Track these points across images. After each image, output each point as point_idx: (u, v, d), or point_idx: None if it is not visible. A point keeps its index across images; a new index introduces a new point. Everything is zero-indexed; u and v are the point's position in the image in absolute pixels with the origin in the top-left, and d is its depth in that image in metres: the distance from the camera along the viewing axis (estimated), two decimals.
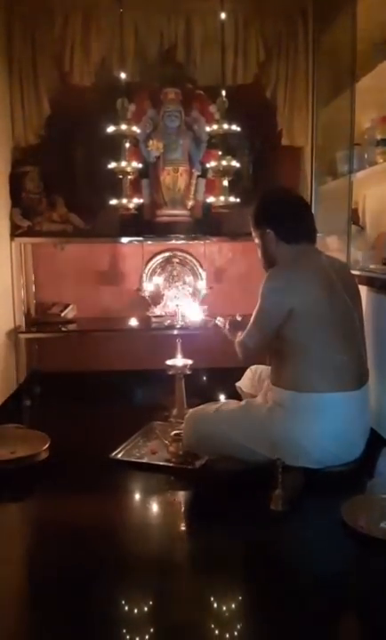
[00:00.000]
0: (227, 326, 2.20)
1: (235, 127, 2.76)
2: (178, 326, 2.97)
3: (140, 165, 2.89)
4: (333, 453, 1.80)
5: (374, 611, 1.27)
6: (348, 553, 1.48)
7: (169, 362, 2.45)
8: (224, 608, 1.28)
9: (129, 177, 2.83)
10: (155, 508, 1.78)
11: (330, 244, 2.67)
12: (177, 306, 3.02)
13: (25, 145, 3.02)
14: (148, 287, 3.29)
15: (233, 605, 1.29)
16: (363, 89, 2.35)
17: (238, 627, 1.23)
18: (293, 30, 3.04)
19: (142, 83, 3.03)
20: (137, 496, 1.90)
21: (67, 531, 1.61)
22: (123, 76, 2.74)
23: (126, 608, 1.26)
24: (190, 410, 2.05)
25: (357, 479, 1.84)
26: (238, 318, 2.19)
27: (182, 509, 1.76)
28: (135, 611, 1.26)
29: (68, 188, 3.12)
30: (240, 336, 1.96)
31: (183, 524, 1.67)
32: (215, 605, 1.27)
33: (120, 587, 1.33)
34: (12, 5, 2.90)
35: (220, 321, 2.26)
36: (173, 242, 3.20)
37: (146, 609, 1.26)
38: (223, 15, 2.71)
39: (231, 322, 2.20)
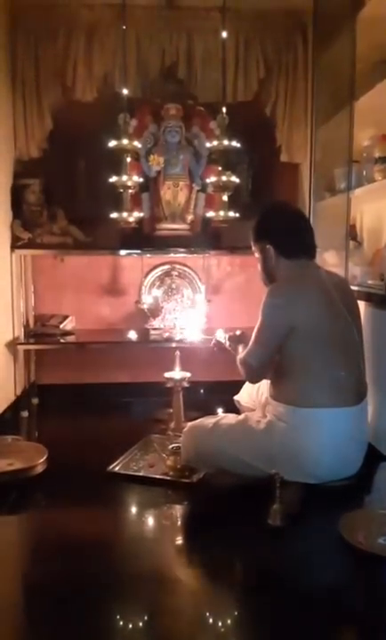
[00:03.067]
0: (227, 342, 2.21)
1: (235, 143, 2.79)
2: (176, 339, 2.98)
3: (141, 180, 2.92)
4: (332, 468, 1.81)
5: (373, 626, 1.27)
6: (346, 568, 1.49)
7: (167, 374, 2.46)
8: (220, 623, 1.27)
9: (130, 191, 2.85)
10: (152, 521, 1.78)
11: (328, 260, 2.69)
12: (176, 319, 3.03)
13: (27, 158, 3.05)
14: (148, 300, 3.30)
15: (230, 620, 1.29)
16: (361, 107, 2.39)
17: None
18: (293, 49, 3.09)
19: (144, 98, 3.07)
20: (134, 509, 1.90)
21: (63, 544, 1.61)
22: (125, 91, 2.77)
23: (122, 623, 1.25)
24: (189, 423, 2.05)
25: (355, 494, 1.85)
26: (238, 332, 2.20)
27: (179, 523, 1.75)
28: (130, 625, 1.25)
29: (69, 201, 3.15)
30: (242, 353, 1.96)
31: (180, 538, 1.67)
32: (212, 620, 1.27)
33: (116, 601, 1.33)
34: (16, 21, 2.95)
35: (220, 337, 2.26)
36: (173, 255, 3.22)
37: (141, 624, 1.26)
38: (224, 33, 2.75)
39: (231, 337, 2.20)
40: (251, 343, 1.90)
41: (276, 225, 1.99)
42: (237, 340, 2.17)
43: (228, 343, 2.21)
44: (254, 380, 2.02)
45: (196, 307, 3.23)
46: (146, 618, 1.28)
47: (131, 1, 2.68)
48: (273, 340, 1.85)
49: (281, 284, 1.91)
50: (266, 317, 1.85)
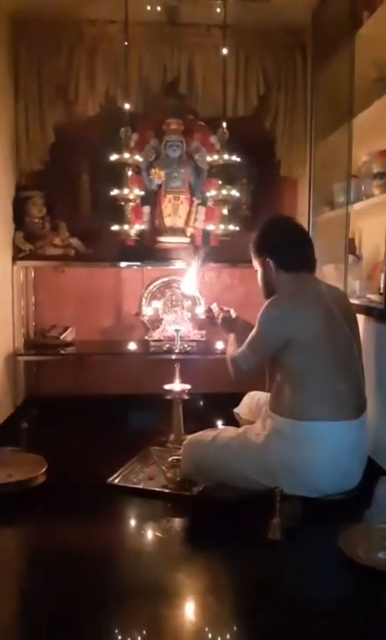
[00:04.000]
0: (219, 320, 2.19)
1: (235, 157, 2.83)
2: (176, 351, 2.98)
3: (142, 193, 2.95)
4: (331, 482, 1.81)
5: None
6: (345, 583, 1.48)
7: (167, 386, 2.46)
8: (220, 637, 1.27)
9: (131, 204, 2.88)
10: (151, 534, 1.77)
11: (327, 273, 2.71)
12: (176, 330, 3.03)
13: (29, 170, 3.09)
14: (148, 311, 3.32)
15: (229, 634, 1.28)
16: (360, 124, 2.42)
17: None
18: (293, 65, 3.14)
19: (145, 113, 3.11)
20: (133, 522, 1.90)
21: (62, 556, 1.61)
22: (126, 106, 2.80)
23: (120, 636, 1.25)
24: (188, 436, 2.05)
25: (354, 508, 1.84)
26: (233, 315, 2.20)
27: (179, 537, 1.75)
28: (129, 639, 1.25)
29: (71, 213, 3.19)
30: (234, 353, 1.98)
31: (179, 552, 1.66)
32: (211, 634, 1.26)
33: (114, 615, 1.32)
34: (20, 35, 3.00)
35: (214, 308, 2.24)
36: (173, 267, 3.24)
37: (139, 638, 1.26)
38: (225, 50, 2.80)
39: (225, 318, 2.19)
40: (244, 346, 1.92)
41: (276, 239, 2.01)
42: (229, 322, 2.17)
43: (219, 320, 2.19)
44: (240, 381, 2.04)
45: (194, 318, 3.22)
46: (144, 632, 1.28)
47: (133, 17, 2.72)
48: (266, 349, 1.88)
49: (280, 297, 1.93)
50: (261, 327, 1.87)
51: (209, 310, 2.25)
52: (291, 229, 2.05)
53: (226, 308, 2.23)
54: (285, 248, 1.98)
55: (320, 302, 1.88)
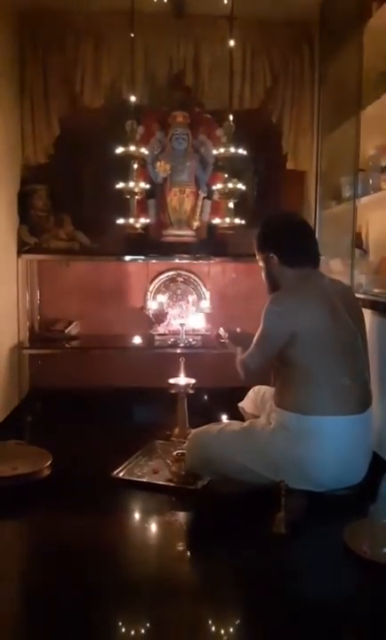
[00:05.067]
0: (226, 336, 2.27)
1: (241, 151, 2.80)
2: (181, 345, 2.98)
3: (148, 186, 2.93)
4: (336, 477, 1.81)
5: (376, 636, 1.26)
6: (350, 577, 1.48)
7: (172, 380, 2.46)
8: (223, 632, 1.27)
9: (136, 197, 2.86)
10: (155, 528, 1.78)
11: (333, 267, 2.70)
12: (181, 324, 3.03)
13: (34, 164, 3.08)
14: (153, 305, 3.31)
15: (232, 629, 1.29)
16: (368, 117, 2.40)
17: None
18: (300, 58, 3.12)
19: (151, 106, 3.10)
20: (137, 516, 1.90)
21: (66, 549, 1.61)
22: (132, 98, 2.78)
23: (123, 630, 1.25)
24: (193, 430, 2.05)
25: (359, 503, 1.84)
26: (238, 330, 2.25)
27: (183, 530, 1.75)
28: (132, 632, 1.25)
29: (76, 207, 3.18)
30: (242, 355, 1.98)
31: (183, 546, 1.66)
32: (214, 629, 1.27)
33: (118, 609, 1.33)
34: (25, 28, 2.99)
35: (222, 332, 2.33)
36: (178, 261, 3.23)
37: (143, 631, 1.26)
38: (232, 42, 2.77)
39: (231, 334, 2.25)
40: (252, 347, 1.93)
41: (279, 234, 2.01)
42: (235, 337, 2.21)
43: (227, 339, 2.27)
44: (250, 380, 2.06)
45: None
46: (148, 625, 1.28)
47: (139, 9, 2.69)
48: (272, 346, 1.88)
49: (283, 293, 1.93)
50: (266, 324, 1.87)
51: (218, 335, 2.37)
52: (293, 225, 2.05)
53: (231, 330, 2.28)
54: (288, 244, 1.98)
55: (324, 297, 1.88)
